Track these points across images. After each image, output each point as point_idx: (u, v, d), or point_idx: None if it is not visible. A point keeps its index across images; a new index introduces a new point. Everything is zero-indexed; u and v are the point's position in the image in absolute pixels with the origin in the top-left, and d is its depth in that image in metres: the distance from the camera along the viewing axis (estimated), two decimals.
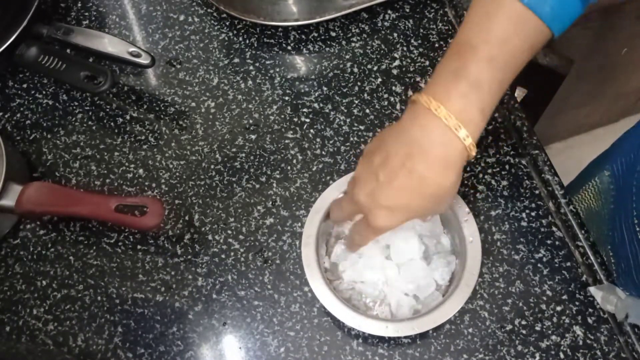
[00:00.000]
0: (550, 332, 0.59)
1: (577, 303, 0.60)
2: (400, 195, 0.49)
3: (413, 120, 0.49)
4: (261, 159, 0.68)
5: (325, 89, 0.71)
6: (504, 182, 0.65)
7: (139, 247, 0.64)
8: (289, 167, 0.67)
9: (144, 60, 0.68)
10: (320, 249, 0.59)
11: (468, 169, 0.66)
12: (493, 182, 0.65)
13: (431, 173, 0.48)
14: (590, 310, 0.59)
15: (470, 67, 0.47)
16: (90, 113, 0.71)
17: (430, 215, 0.57)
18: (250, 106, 0.71)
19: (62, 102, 0.72)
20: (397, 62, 0.72)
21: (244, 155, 0.68)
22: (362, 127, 0.69)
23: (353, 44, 0.74)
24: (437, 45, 0.73)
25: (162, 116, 0.71)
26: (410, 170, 0.48)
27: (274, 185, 0.66)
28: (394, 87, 0.71)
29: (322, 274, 0.56)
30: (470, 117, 0.47)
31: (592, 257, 0.61)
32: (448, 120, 0.47)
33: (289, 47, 0.74)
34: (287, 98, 0.71)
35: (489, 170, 0.66)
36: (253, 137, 0.69)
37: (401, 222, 0.51)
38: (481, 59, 0.47)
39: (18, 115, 0.71)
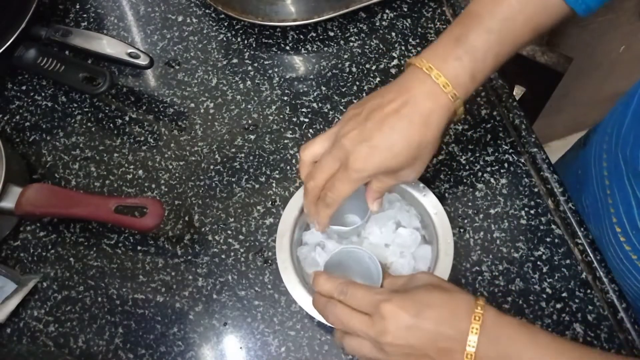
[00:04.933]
0: (550, 329, 0.59)
1: (577, 300, 0.60)
2: (387, 134, 0.51)
3: (405, 76, 0.53)
4: (260, 159, 0.68)
5: (324, 88, 0.71)
6: (503, 180, 0.65)
7: (139, 248, 0.64)
8: (288, 167, 0.67)
9: (143, 61, 0.68)
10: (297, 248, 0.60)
11: (467, 167, 0.66)
12: (492, 180, 0.65)
13: (419, 120, 0.51)
14: (590, 307, 0.60)
15: (470, 35, 0.51)
16: (89, 114, 0.71)
17: (405, 171, 0.55)
18: (249, 106, 0.71)
19: (61, 104, 0.72)
20: (395, 62, 0.72)
21: (243, 155, 0.68)
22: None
23: (351, 44, 0.74)
24: None
25: (161, 117, 0.71)
26: (400, 114, 0.51)
27: (274, 185, 0.66)
28: None
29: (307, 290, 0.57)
30: (460, 81, 0.51)
31: (591, 255, 0.61)
32: (438, 78, 0.50)
33: (288, 47, 0.74)
34: (286, 98, 0.71)
35: (488, 169, 0.66)
36: (252, 137, 0.69)
37: (380, 168, 0.52)
38: (482, 29, 0.50)
39: (17, 117, 0.71)
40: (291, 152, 0.68)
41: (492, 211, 0.64)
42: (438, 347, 0.47)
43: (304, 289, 0.57)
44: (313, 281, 0.54)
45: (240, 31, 0.75)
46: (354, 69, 0.72)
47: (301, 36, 0.74)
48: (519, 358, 0.46)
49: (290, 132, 0.69)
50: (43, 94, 0.72)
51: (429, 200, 0.59)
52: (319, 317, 0.54)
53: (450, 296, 0.48)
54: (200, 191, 0.66)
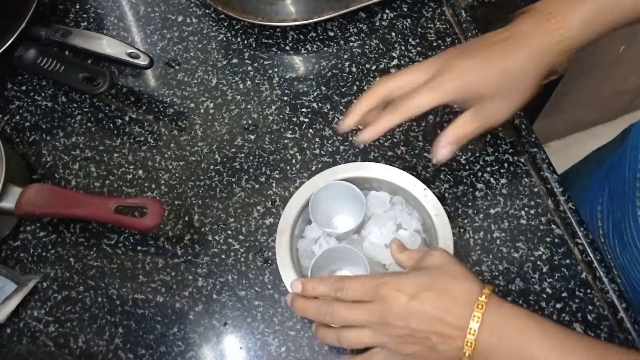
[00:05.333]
0: None
1: (577, 300, 0.60)
2: (485, 55, 0.51)
3: (521, 16, 0.53)
4: (260, 159, 0.68)
5: (323, 88, 0.71)
6: (503, 180, 0.65)
7: (139, 248, 0.64)
8: (288, 167, 0.67)
9: (143, 61, 0.68)
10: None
11: (467, 167, 0.66)
12: (492, 180, 0.65)
13: (525, 53, 0.50)
14: (590, 307, 0.60)
15: None
16: (89, 114, 0.71)
17: (496, 103, 0.53)
18: (249, 106, 0.71)
19: (61, 104, 0.72)
20: (395, 62, 0.72)
21: (243, 155, 0.68)
22: (360, 127, 0.69)
23: (351, 44, 0.74)
24: (435, 44, 0.73)
25: (161, 117, 0.71)
26: (506, 43, 0.51)
27: (274, 185, 0.66)
28: None
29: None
30: (574, 23, 0.50)
31: (591, 255, 0.61)
32: (551, 18, 0.50)
33: (287, 47, 0.74)
34: (285, 98, 0.71)
35: (488, 169, 0.66)
36: (252, 137, 0.69)
37: (470, 86, 0.51)
38: None
39: (17, 117, 0.71)
40: (291, 152, 0.68)
41: (492, 211, 0.64)
42: (438, 332, 0.47)
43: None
44: (303, 287, 0.53)
45: (240, 31, 0.75)
46: (354, 69, 0.72)
47: (301, 36, 0.74)
48: (525, 349, 0.45)
49: (290, 132, 0.69)
50: (43, 94, 0.72)
51: (430, 202, 0.59)
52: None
53: (455, 281, 0.48)
54: (200, 191, 0.66)
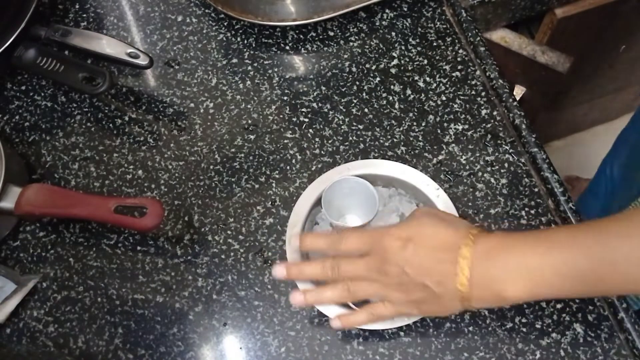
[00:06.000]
0: (550, 329, 0.59)
1: (577, 300, 0.60)
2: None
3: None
4: (260, 159, 0.68)
5: (323, 88, 0.71)
6: (503, 180, 0.65)
7: (138, 248, 0.64)
8: (288, 167, 0.67)
9: (142, 61, 0.68)
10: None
11: (467, 167, 0.66)
12: (492, 180, 0.65)
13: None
14: (590, 307, 0.59)
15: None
16: (89, 114, 0.71)
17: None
18: (249, 106, 0.71)
19: (60, 104, 0.72)
20: (395, 61, 0.72)
21: (243, 155, 0.68)
22: (360, 127, 0.69)
23: (351, 44, 0.74)
24: (435, 44, 0.73)
25: (160, 117, 0.71)
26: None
27: (274, 185, 0.66)
28: (392, 86, 0.71)
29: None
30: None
31: None
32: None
33: (287, 47, 0.74)
34: (285, 98, 0.71)
35: (488, 169, 0.66)
36: (252, 137, 0.69)
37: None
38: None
39: (17, 117, 0.71)
40: (291, 152, 0.68)
41: (492, 211, 0.64)
42: (436, 272, 0.49)
43: (311, 282, 0.57)
44: (302, 242, 0.55)
45: (240, 31, 0.75)
46: (354, 69, 0.72)
47: (301, 36, 0.74)
48: (518, 260, 0.47)
49: (290, 132, 0.69)
50: (42, 94, 0.72)
51: (442, 202, 0.59)
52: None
53: (447, 222, 0.50)
54: (200, 191, 0.66)
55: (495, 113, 0.69)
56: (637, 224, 0.44)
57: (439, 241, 0.49)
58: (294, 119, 0.70)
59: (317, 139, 0.68)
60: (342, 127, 0.69)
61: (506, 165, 0.66)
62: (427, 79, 0.71)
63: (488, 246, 0.48)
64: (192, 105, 0.71)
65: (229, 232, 0.64)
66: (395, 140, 0.68)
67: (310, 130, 0.69)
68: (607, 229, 0.46)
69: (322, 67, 0.72)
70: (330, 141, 0.68)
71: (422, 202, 0.62)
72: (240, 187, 0.66)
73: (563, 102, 1.28)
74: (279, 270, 0.55)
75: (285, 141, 0.69)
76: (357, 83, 0.71)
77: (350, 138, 0.68)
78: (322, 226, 0.62)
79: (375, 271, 0.51)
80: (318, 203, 0.60)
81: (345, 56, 0.73)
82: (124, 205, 0.60)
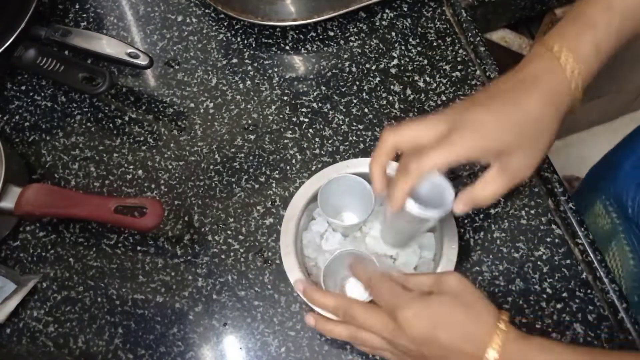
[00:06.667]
0: (550, 329, 0.59)
1: (577, 301, 0.60)
2: (498, 106, 0.47)
3: (528, 57, 0.50)
4: (260, 159, 0.68)
5: (323, 88, 0.71)
6: None
7: (138, 248, 0.64)
8: (288, 167, 0.67)
9: (142, 61, 0.68)
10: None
11: (467, 167, 0.66)
12: None
13: (538, 96, 0.47)
14: (590, 307, 0.59)
15: (587, 11, 0.49)
16: (89, 114, 0.71)
17: (516, 157, 0.48)
18: (249, 106, 0.71)
19: (60, 104, 0.72)
20: (395, 61, 0.72)
21: (243, 155, 0.68)
22: (360, 127, 0.69)
23: (351, 44, 0.74)
24: (435, 44, 0.73)
25: (160, 117, 0.71)
26: (517, 88, 0.48)
27: (274, 185, 0.66)
28: (392, 86, 0.71)
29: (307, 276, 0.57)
30: (583, 53, 0.48)
31: (591, 255, 0.61)
32: (560, 53, 0.47)
33: (287, 47, 0.74)
34: (285, 98, 0.71)
35: None
36: (252, 137, 0.69)
37: (483, 145, 0.47)
38: (599, 5, 0.48)
39: (17, 117, 0.71)
40: (291, 152, 0.68)
41: (492, 211, 0.64)
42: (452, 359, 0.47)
43: (303, 276, 0.57)
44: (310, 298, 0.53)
45: (240, 31, 0.75)
46: (354, 69, 0.72)
47: (301, 36, 0.74)
48: None
49: (290, 132, 0.69)
50: (42, 94, 0.72)
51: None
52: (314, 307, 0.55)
53: (472, 312, 0.47)
54: (200, 191, 0.66)
55: None
56: None
57: (461, 333, 0.46)
58: (294, 119, 0.70)
59: (317, 139, 0.68)
60: (342, 127, 0.69)
61: None
62: (427, 79, 0.71)
63: (517, 348, 0.45)
64: (192, 105, 0.71)
65: (229, 232, 0.64)
66: None
67: (310, 130, 0.69)
68: None
69: (322, 67, 0.72)
70: (330, 141, 0.68)
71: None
72: (240, 187, 0.66)
73: None
74: (309, 319, 0.55)
75: (285, 141, 0.69)
76: (357, 83, 0.71)
77: (350, 138, 0.68)
78: (318, 222, 0.61)
79: (388, 338, 0.49)
80: (315, 199, 0.60)
81: (345, 56, 0.73)
82: (124, 205, 0.60)
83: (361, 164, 0.62)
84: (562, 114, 0.48)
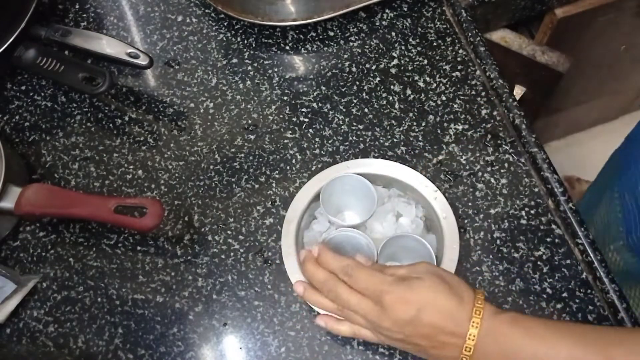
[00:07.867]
0: None
1: (577, 300, 0.60)
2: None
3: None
4: (260, 159, 0.68)
5: (323, 88, 0.71)
6: (503, 180, 0.65)
7: (138, 248, 0.64)
8: (288, 167, 0.67)
9: (142, 61, 0.68)
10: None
11: (467, 167, 0.66)
12: (492, 180, 0.65)
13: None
14: (590, 307, 0.59)
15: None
16: (89, 114, 0.71)
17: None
18: (249, 106, 0.71)
19: (60, 104, 0.72)
20: (395, 61, 0.72)
21: (243, 155, 0.68)
22: (360, 127, 0.69)
23: (351, 44, 0.74)
24: (435, 44, 0.73)
25: (160, 117, 0.71)
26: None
27: (274, 185, 0.66)
28: (392, 86, 0.71)
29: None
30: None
31: (591, 255, 0.61)
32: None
33: (287, 47, 0.74)
34: (285, 98, 0.71)
35: (488, 169, 0.66)
36: (252, 137, 0.69)
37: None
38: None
39: (17, 117, 0.71)
40: (291, 152, 0.68)
41: (492, 211, 0.64)
42: (435, 340, 0.48)
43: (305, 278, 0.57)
44: (318, 255, 0.54)
45: (240, 31, 0.75)
46: (354, 69, 0.72)
47: (301, 36, 0.74)
48: (518, 352, 0.47)
49: (290, 132, 0.69)
50: (42, 94, 0.72)
51: (440, 204, 0.60)
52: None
53: (452, 290, 0.49)
54: (200, 191, 0.66)
55: (495, 113, 0.69)
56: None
57: (444, 312, 0.48)
58: (294, 119, 0.70)
59: (317, 139, 0.68)
60: (342, 127, 0.69)
61: (506, 165, 0.66)
62: (427, 79, 0.71)
63: (496, 323, 0.47)
64: (192, 105, 0.71)
65: (229, 232, 0.64)
66: (395, 140, 0.68)
67: (310, 130, 0.69)
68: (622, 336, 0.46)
69: (322, 67, 0.72)
70: (330, 141, 0.68)
71: (420, 204, 0.62)
72: (240, 187, 0.66)
73: (563, 102, 1.28)
74: (298, 287, 0.56)
75: (285, 141, 0.69)
76: (357, 83, 0.71)
77: (350, 138, 0.68)
78: (320, 221, 0.62)
79: (373, 320, 0.51)
80: (317, 198, 0.61)
81: (345, 56, 0.73)
82: (124, 205, 0.60)
83: (360, 165, 0.62)
84: None
